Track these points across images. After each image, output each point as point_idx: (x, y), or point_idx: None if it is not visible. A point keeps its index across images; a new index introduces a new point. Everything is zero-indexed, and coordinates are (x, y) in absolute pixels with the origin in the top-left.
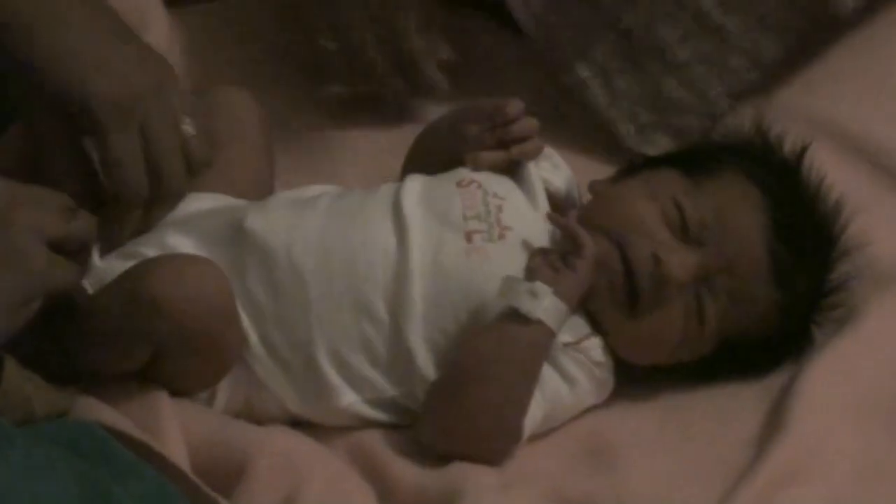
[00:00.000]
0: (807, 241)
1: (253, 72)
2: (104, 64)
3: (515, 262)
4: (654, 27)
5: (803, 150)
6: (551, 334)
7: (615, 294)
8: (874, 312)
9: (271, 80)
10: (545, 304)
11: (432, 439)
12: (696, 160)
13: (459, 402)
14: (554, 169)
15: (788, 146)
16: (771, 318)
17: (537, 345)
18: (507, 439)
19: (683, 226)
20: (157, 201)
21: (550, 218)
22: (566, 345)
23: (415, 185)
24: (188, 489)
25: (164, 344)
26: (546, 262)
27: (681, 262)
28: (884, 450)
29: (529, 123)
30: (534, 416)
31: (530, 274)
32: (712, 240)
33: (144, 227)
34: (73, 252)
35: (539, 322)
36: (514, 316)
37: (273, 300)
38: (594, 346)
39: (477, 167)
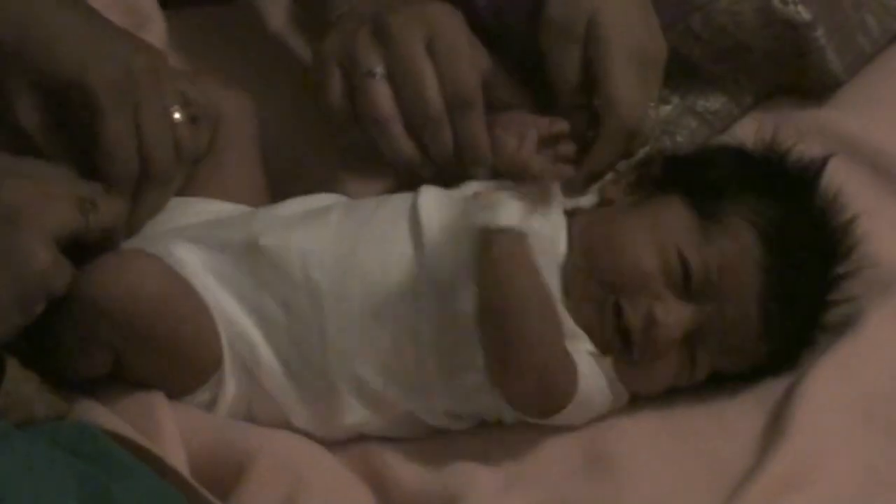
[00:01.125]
0: (806, 287)
1: (248, 76)
2: (101, 46)
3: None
4: None
5: (823, 164)
6: (523, 236)
7: (609, 341)
8: (876, 317)
9: (267, 86)
10: (503, 211)
11: (507, 390)
12: (706, 190)
13: (507, 341)
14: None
15: (805, 162)
16: (759, 361)
17: (519, 253)
18: (563, 367)
19: (686, 281)
20: (144, 188)
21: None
22: (590, 353)
23: (430, 195)
24: (187, 492)
25: (117, 346)
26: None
27: (676, 321)
28: (886, 455)
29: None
30: (583, 381)
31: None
32: (710, 297)
33: (132, 223)
34: (97, 242)
35: (505, 229)
36: (487, 239)
37: (287, 316)
38: (608, 365)
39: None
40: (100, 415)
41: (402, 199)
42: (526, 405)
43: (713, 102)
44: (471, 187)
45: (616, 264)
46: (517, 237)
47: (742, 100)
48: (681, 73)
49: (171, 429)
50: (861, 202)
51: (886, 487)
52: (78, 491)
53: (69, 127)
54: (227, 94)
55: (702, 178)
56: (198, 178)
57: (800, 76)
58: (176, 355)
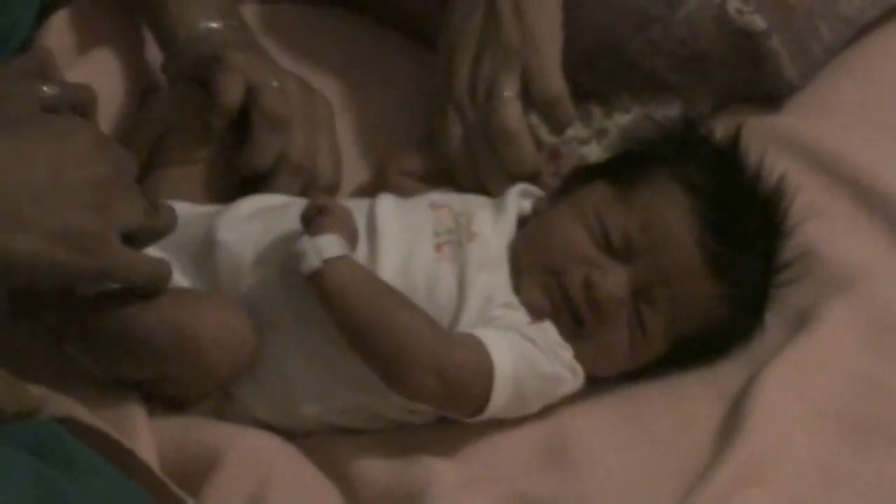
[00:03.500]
0: (747, 229)
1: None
2: (50, 240)
3: (481, 261)
4: (604, 83)
5: (737, 134)
6: (346, 258)
7: (562, 322)
8: (828, 319)
9: None
10: (318, 246)
11: (412, 398)
12: (626, 167)
13: (386, 362)
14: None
15: (720, 134)
16: (723, 311)
17: (354, 275)
18: (468, 364)
19: (608, 243)
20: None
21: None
22: (529, 323)
23: (388, 202)
24: (155, 487)
25: (178, 375)
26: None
27: (613, 281)
28: (837, 454)
29: None
30: (503, 363)
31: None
32: (641, 253)
33: None
34: (142, 243)
35: (330, 262)
36: (321, 277)
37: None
38: (549, 329)
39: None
40: (72, 408)
41: (357, 206)
42: (447, 405)
43: (672, 110)
44: (431, 197)
45: (549, 246)
46: (342, 262)
47: (700, 108)
48: (641, 83)
49: (143, 425)
50: (816, 205)
51: (840, 485)
52: (34, 493)
53: None
54: (191, 100)
55: (622, 158)
56: (169, 182)
57: (756, 83)
58: (214, 388)
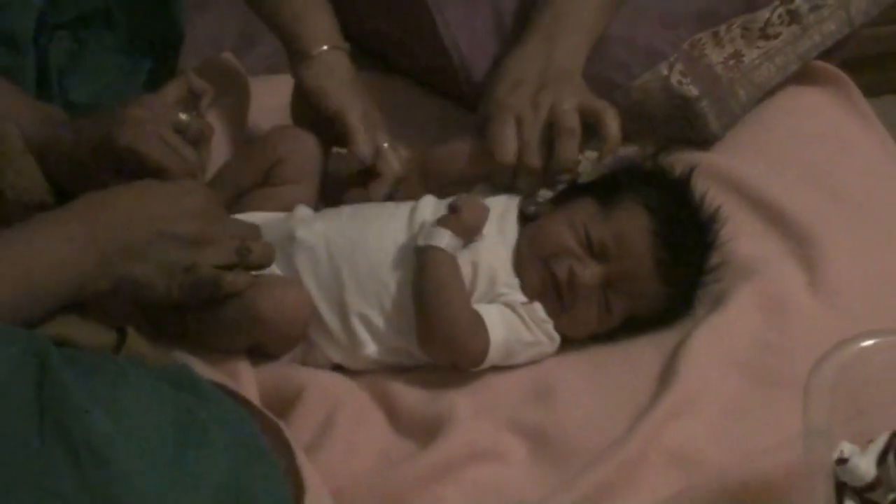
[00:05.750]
0: (687, 244)
1: None
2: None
3: (487, 253)
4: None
5: (690, 172)
6: (441, 251)
7: (549, 298)
8: (736, 297)
9: None
10: (433, 234)
11: (431, 353)
12: (607, 188)
13: (426, 317)
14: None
15: (678, 171)
16: (661, 302)
17: (441, 259)
18: (474, 336)
19: (590, 246)
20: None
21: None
22: (523, 304)
23: (428, 200)
24: (255, 414)
25: (254, 340)
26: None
27: (591, 273)
28: (743, 394)
29: None
30: (497, 334)
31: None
32: (613, 256)
33: None
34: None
35: (431, 247)
36: (422, 252)
37: (318, 285)
38: (538, 308)
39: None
40: (195, 365)
41: (401, 204)
42: (444, 361)
43: (627, 150)
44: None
45: (545, 241)
46: (439, 251)
47: (647, 148)
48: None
49: (247, 372)
50: (731, 216)
51: (742, 417)
52: (173, 411)
53: None
54: (289, 131)
55: (604, 183)
56: (258, 199)
57: (688, 134)
58: (292, 346)
